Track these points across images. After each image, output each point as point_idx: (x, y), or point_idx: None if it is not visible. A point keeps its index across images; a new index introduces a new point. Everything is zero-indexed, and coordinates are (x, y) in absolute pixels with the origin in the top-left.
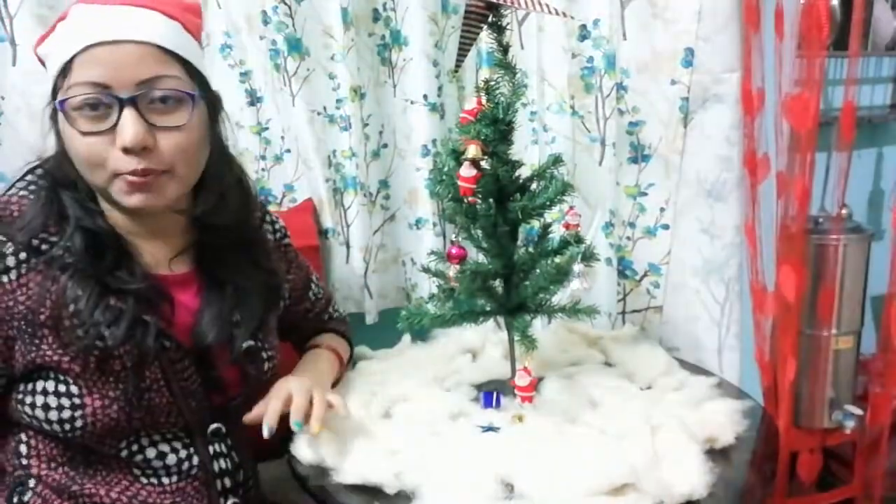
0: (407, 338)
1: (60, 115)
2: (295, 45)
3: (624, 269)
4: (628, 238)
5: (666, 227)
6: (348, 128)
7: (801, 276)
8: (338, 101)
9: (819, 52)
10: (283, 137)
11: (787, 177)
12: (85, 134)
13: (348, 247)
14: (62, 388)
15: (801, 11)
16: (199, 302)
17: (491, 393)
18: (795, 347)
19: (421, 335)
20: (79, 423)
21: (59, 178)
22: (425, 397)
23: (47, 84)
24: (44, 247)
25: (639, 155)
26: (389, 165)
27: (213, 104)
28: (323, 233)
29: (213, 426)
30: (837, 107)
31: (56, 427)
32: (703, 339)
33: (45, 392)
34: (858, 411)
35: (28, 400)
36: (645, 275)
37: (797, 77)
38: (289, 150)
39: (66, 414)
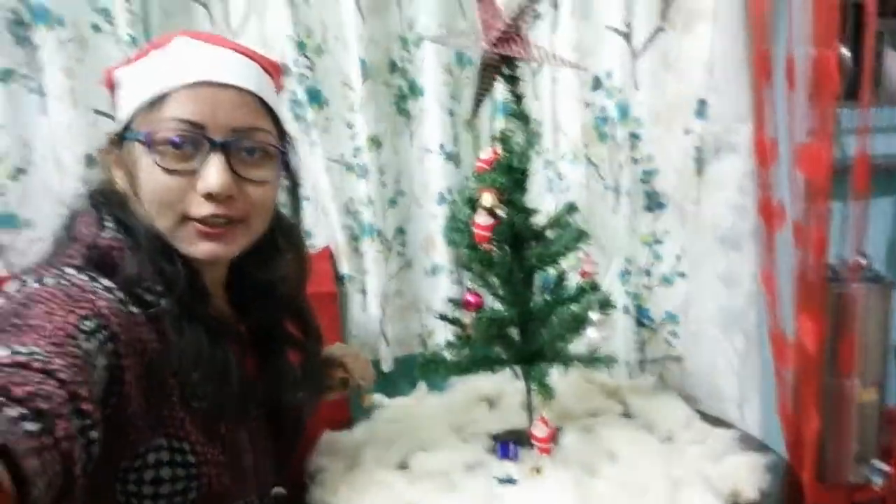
0: (423, 386)
1: (136, 147)
2: (315, 96)
3: (641, 318)
4: (645, 286)
5: (682, 275)
6: (365, 176)
7: (821, 326)
8: (356, 149)
9: (830, 103)
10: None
11: (803, 225)
12: (168, 171)
13: (365, 293)
14: (178, 457)
15: (812, 62)
16: (261, 359)
17: (508, 443)
18: (818, 399)
19: (437, 383)
20: (192, 495)
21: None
22: (442, 447)
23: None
24: (148, 297)
25: (653, 203)
26: (406, 213)
27: (288, 167)
28: (340, 279)
29: (276, 490)
30: (851, 156)
31: (163, 502)
32: (724, 389)
33: (158, 464)
34: (886, 467)
35: (134, 477)
36: (662, 323)
37: (809, 127)
38: (307, 198)
39: (180, 485)
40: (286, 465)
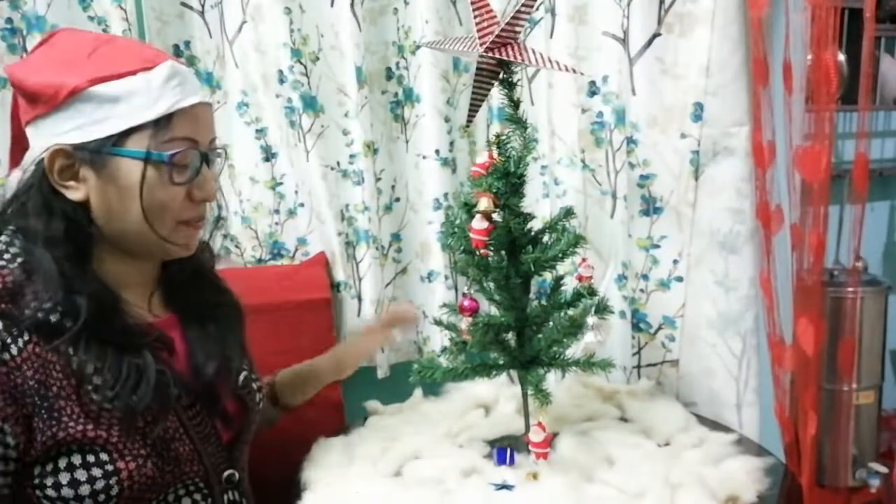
0: (419, 392)
1: (128, 163)
2: (310, 103)
3: (638, 322)
4: (642, 291)
5: (680, 279)
6: (361, 182)
7: (820, 330)
8: (351, 156)
9: (828, 106)
10: (296, 192)
11: (800, 229)
12: (177, 184)
13: (360, 300)
14: (90, 458)
15: (809, 66)
16: (188, 342)
17: (504, 449)
18: (816, 402)
19: (433, 389)
20: (115, 491)
21: (41, 237)
22: (437, 454)
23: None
24: (40, 314)
25: (650, 207)
26: (402, 219)
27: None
28: (335, 286)
29: (227, 472)
30: (848, 160)
31: (89, 502)
32: (721, 393)
33: (70, 467)
34: (883, 469)
35: (50, 481)
36: (660, 328)
37: (807, 130)
38: (302, 205)
39: (100, 484)
40: (240, 446)
